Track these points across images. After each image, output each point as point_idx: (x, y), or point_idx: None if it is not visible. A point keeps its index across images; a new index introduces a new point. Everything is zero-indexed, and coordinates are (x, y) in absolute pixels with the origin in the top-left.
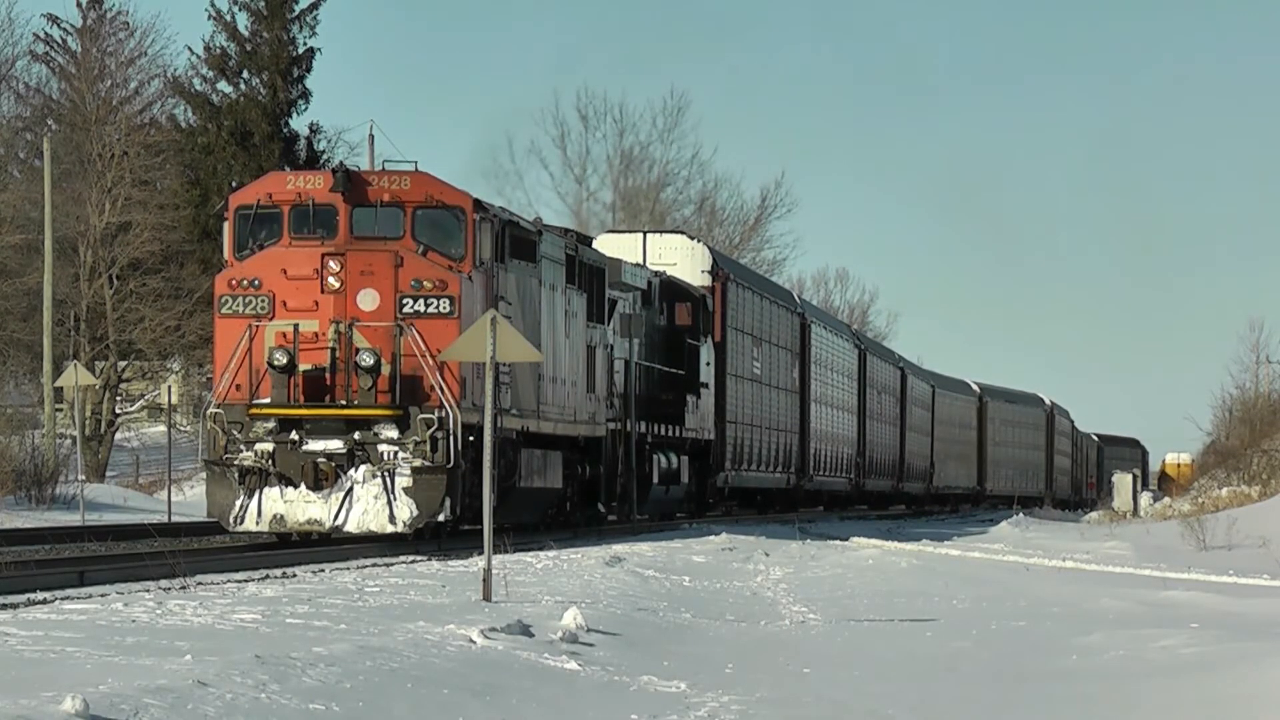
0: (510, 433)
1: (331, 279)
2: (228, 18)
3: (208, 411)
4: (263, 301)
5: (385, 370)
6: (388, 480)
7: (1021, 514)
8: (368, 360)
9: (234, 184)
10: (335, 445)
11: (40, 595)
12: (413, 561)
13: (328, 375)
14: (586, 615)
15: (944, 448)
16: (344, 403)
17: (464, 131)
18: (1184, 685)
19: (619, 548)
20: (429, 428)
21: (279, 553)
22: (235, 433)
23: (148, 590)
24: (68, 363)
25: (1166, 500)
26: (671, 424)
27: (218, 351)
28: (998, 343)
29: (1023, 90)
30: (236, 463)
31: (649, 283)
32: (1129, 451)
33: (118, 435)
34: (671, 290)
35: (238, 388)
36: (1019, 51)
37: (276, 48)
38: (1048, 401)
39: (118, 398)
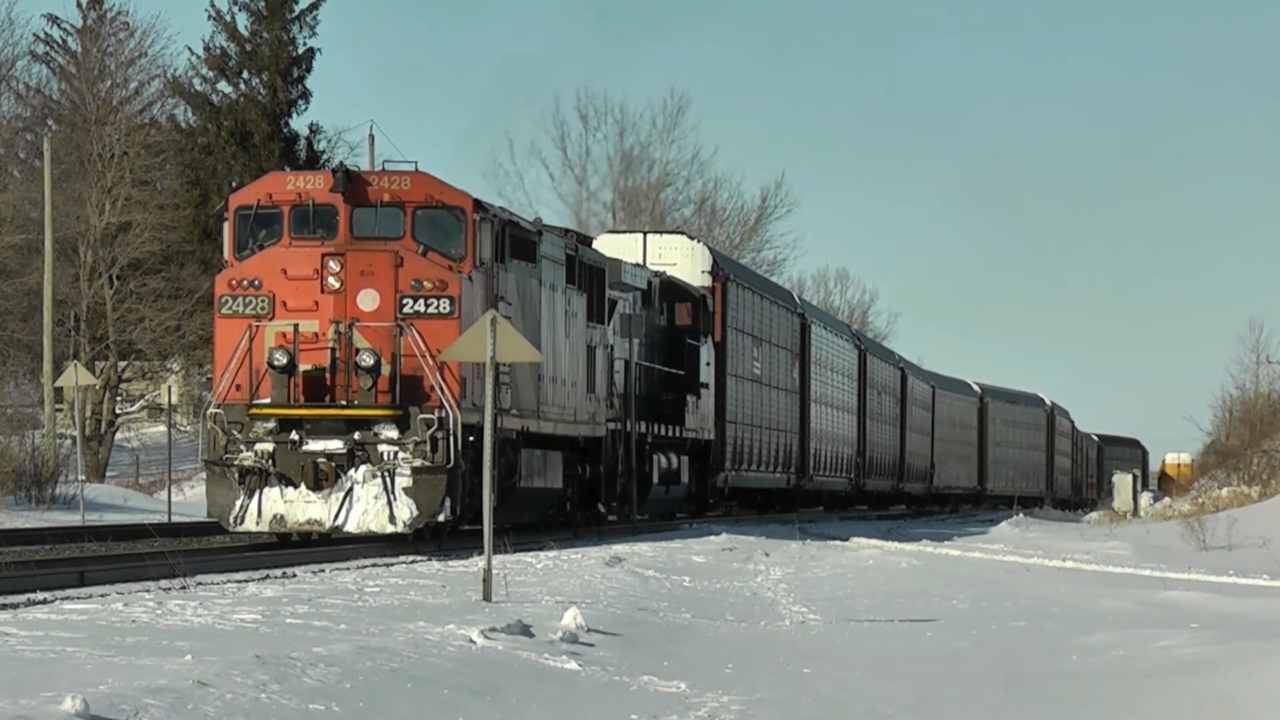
0: (510, 433)
1: (331, 279)
2: (227, 18)
3: (208, 412)
4: (263, 302)
5: (385, 370)
6: (388, 480)
7: (1021, 514)
8: (368, 360)
9: (234, 184)
10: (335, 445)
11: (40, 595)
12: (413, 561)
13: (328, 375)
14: (586, 615)
15: (944, 448)
16: (344, 403)
17: (464, 132)
18: (1184, 685)
19: (619, 548)
20: (429, 428)
21: (279, 553)
22: (235, 433)
23: (148, 590)
24: (68, 363)
25: (1166, 500)
26: (671, 424)
27: (218, 352)
28: (998, 343)
29: (1024, 91)
30: (236, 463)
31: (649, 283)
32: (1129, 451)
33: (118, 435)
34: (671, 290)
35: (238, 388)
36: (1019, 53)
37: (276, 48)
38: (1048, 401)
39: (118, 398)
